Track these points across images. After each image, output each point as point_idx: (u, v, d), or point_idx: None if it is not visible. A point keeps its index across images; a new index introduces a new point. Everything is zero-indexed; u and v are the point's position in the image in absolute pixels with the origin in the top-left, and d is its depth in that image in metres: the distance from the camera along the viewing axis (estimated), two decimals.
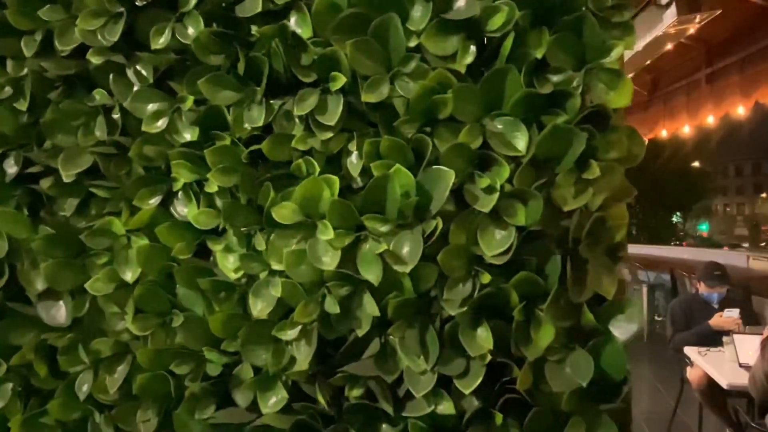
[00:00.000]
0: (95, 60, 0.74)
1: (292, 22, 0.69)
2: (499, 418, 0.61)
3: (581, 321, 0.62)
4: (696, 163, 16.85)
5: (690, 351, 4.12)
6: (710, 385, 3.92)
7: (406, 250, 0.62)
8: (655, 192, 13.84)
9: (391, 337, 0.64)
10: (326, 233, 0.63)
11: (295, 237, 0.66)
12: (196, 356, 0.71)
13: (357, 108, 0.68)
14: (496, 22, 0.62)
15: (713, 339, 4.14)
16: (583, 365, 0.60)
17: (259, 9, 0.68)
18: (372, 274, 0.63)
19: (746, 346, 3.61)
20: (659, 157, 11.96)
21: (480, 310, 0.62)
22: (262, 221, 0.68)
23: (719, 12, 3.74)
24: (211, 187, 0.71)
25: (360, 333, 0.65)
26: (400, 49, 0.65)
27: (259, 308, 0.67)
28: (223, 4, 0.72)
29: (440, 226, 0.62)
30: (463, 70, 0.65)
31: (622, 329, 0.63)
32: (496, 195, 0.62)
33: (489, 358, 0.62)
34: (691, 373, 4.30)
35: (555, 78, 0.64)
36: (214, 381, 0.71)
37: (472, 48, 0.64)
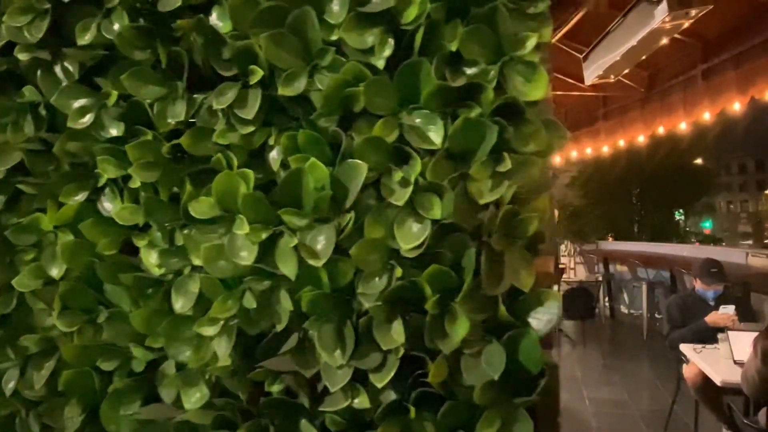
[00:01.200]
0: (22, 57, 0.74)
1: (213, 16, 0.68)
2: (412, 411, 0.61)
3: (498, 314, 0.62)
4: (699, 160, 16.75)
5: (686, 348, 4.11)
6: (705, 382, 3.90)
7: (320, 244, 0.62)
8: (657, 189, 13.77)
9: (309, 331, 0.64)
10: (242, 228, 0.63)
11: (215, 232, 0.66)
12: (122, 352, 0.71)
13: (280, 102, 0.68)
14: (410, 14, 0.62)
15: (709, 336, 4.12)
16: (496, 358, 0.60)
17: (179, 3, 0.68)
18: (288, 268, 0.62)
19: (741, 343, 3.59)
20: (656, 154, 11.90)
21: (395, 304, 0.62)
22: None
23: (711, 7, 3.71)
24: (135, 183, 0.71)
25: (279, 328, 0.64)
26: (316, 42, 0.65)
27: (181, 304, 0.67)
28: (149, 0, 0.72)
29: (353, 219, 0.61)
30: (381, 63, 0.64)
31: (540, 322, 0.62)
32: (410, 188, 0.61)
33: (402, 351, 0.61)
34: (687, 370, 4.28)
35: (469, 71, 0.63)
36: (139, 377, 0.71)
37: (391, 41, 0.64)
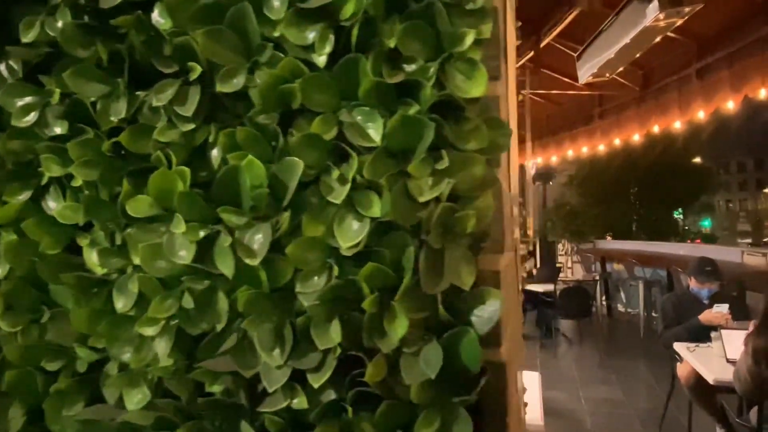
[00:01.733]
0: None
1: (155, 13, 0.68)
2: (350, 411, 0.60)
3: (438, 313, 0.61)
4: (697, 159, 16.73)
5: (679, 347, 4.11)
6: (698, 380, 3.90)
7: (256, 243, 0.62)
8: (655, 188, 13.74)
9: (248, 331, 0.63)
10: (179, 227, 0.62)
11: (156, 231, 0.65)
12: (67, 352, 0.71)
13: (223, 100, 0.67)
14: (348, 10, 0.61)
15: (703, 334, 4.11)
16: (433, 357, 0.59)
17: (119, 0, 0.67)
18: (226, 267, 0.62)
19: (734, 342, 3.59)
20: (654, 153, 11.89)
21: (333, 303, 0.61)
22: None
23: (701, 5, 3.70)
24: (77, 181, 0.70)
25: (218, 328, 0.64)
26: (255, 38, 0.64)
27: (122, 304, 0.67)
28: None
29: (289, 218, 0.61)
30: (323, 60, 0.64)
31: (481, 320, 0.62)
32: (348, 186, 0.61)
33: (339, 351, 0.61)
34: (680, 369, 4.28)
35: (408, 67, 0.62)
36: (83, 377, 0.70)
37: (332, 37, 0.63)
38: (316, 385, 0.60)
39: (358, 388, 0.61)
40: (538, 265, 9.07)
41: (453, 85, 0.62)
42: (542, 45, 6.21)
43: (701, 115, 5.55)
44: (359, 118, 0.62)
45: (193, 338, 0.67)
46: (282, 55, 0.64)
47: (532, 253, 8.80)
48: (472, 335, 0.60)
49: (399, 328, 0.60)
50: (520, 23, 2.51)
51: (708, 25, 5.39)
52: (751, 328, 3.18)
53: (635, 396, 5.43)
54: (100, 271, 0.69)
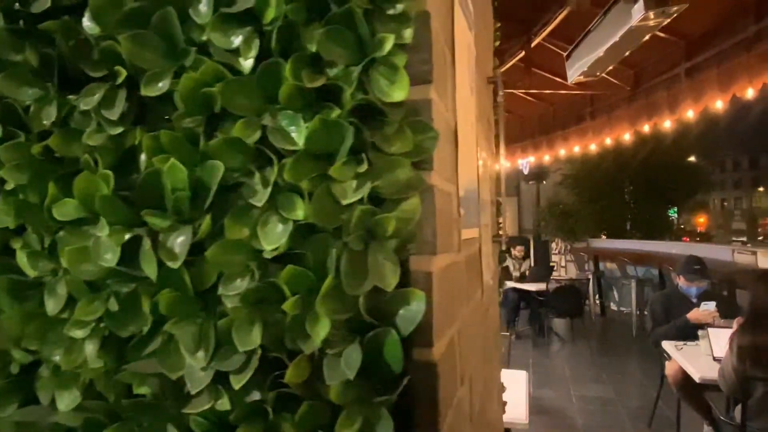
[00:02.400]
0: None
1: (86, 17, 0.68)
2: (270, 412, 0.61)
3: (362, 314, 0.62)
4: (692, 158, 16.75)
5: (667, 345, 4.13)
6: (686, 378, 3.92)
7: (177, 245, 0.62)
8: (649, 187, 13.76)
9: (172, 333, 0.64)
10: (102, 230, 0.63)
11: (83, 234, 0.66)
12: (2, 355, 0.71)
13: (152, 104, 0.68)
14: (269, 15, 0.62)
15: (691, 333, 4.13)
16: (353, 358, 0.60)
17: (49, 5, 0.68)
18: (150, 270, 0.62)
19: (721, 340, 3.61)
20: (648, 152, 11.90)
21: (255, 305, 0.62)
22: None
23: (687, 6, 3.71)
24: (9, 185, 0.70)
25: (144, 330, 0.64)
26: (179, 42, 0.65)
27: (51, 306, 0.67)
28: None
29: (209, 221, 0.61)
30: (249, 64, 0.64)
31: (404, 321, 0.62)
32: (269, 189, 0.61)
33: (260, 352, 0.61)
34: (668, 367, 4.29)
35: (331, 72, 0.63)
36: (16, 379, 0.71)
37: (257, 42, 0.64)
38: (236, 387, 0.61)
39: (280, 390, 0.61)
40: (533, 265, 9.09)
41: (377, 89, 0.63)
42: (533, 45, 6.22)
43: (690, 114, 5.56)
44: (283, 122, 0.63)
45: (124, 340, 0.68)
46: (206, 59, 0.64)
47: (527, 254, 8.80)
48: (394, 336, 0.61)
49: (321, 329, 0.60)
50: (499, 24, 2.51)
51: (696, 25, 5.40)
52: (736, 326, 3.20)
53: (626, 394, 5.45)
54: (32, 273, 0.70)
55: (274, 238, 0.62)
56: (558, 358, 7.05)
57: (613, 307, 9.58)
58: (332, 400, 0.60)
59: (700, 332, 3.88)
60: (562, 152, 7.97)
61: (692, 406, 3.97)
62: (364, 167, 0.60)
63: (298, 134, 0.61)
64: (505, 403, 2.35)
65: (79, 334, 0.65)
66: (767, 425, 2.95)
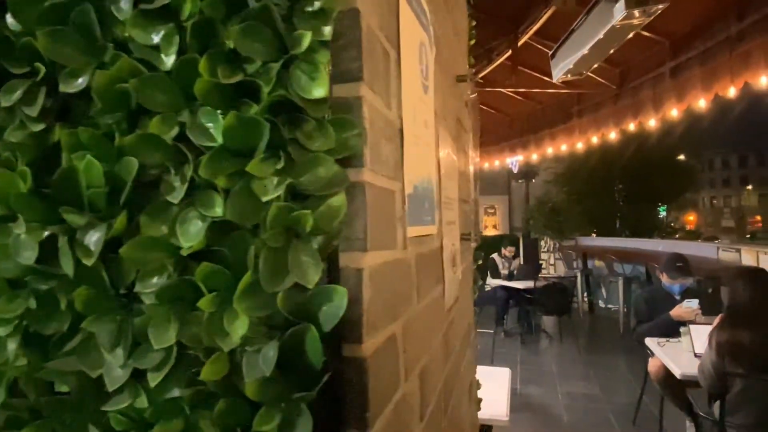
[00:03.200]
0: None
1: (8, 14, 0.68)
2: (187, 409, 0.61)
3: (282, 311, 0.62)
4: (681, 156, 16.87)
5: (650, 342, 4.16)
6: (667, 375, 3.95)
7: (92, 242, 0.62)
8: (639, 185, 13.85)
9: (90, 331, 0.64)
10: (20, 227, 0.63)
11: (5, 232, 0.65)
12: None
13: (74, 101, 0.67)
14: (186, 10, 0.62)
15: (674, 329, 4.16)
16: (269, 354, 0.60)
17: None
18: (67, 267, 0.62)
19: (702, 337, 3.64)
20: (637, 150, 11.97)
21: (172, 303, 0.62)
22: None
23: (667, 5, 3.73)
24: None
25: (64, 328, 0.64)
26: (98, 38, 0.64)
27: None
28: None
29: (124, 218, 0.61)
30: (170, 60, 0.64)
31: (326, 317, 0.62)
32: (185, 185, 0.61)
33: (176, 350, 0.61)
34: (651, 364, 4.33)
35: (248, 68, 0.63)
36: None
37: (176, 38, 0.64)
38: (152, 384, 0.61)
39: (197, 387, 0.61)
40: (522, 263, 9.12)
41: (297, 86, 0.63)
42: (520, 44, 6.24)
43: (674, 113, 5.60)
44: (201, 118, 0.62)
45: (46, 338, 0.67)
46: (124, 56, 0.64)
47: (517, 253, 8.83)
48: (314, 332, 0.61)
49: (239, 327, 0.60)
50: (475, 23, 2.52)
51: (680, 25, 5.44)
52: (716, 323, 3.22)
53: (611, 391, 5.49)
54: None
55: (191, 235, 0.62)
56: (546, 356, 7.09)
57: (601, 304, 9.64)
58: (250, 397, 0.60)
59: (682, 329, 3.91)
60: (550, 150, 8.00)
61: (674, 402, 4.00)
62: (281, 164, 0.60)
63: (216, 131, 0.61)
64: (480, 400, 2.36)
65: (0, 332, 0.65)
66: (745, 420, 2.98)
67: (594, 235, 11.80)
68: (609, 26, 4.05)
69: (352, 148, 0.66)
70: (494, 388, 3.09)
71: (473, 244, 2.04)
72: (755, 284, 3.11)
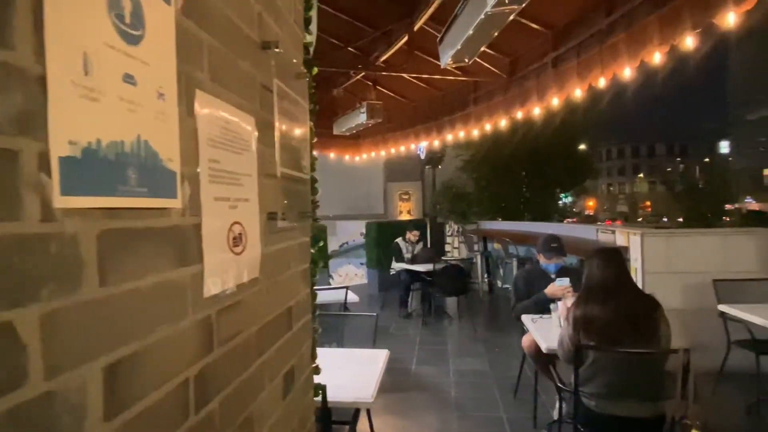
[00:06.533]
0: None
1: None
2: None
3: None
4: (582, 146, 18.07)
5: (525, 318, 4.37)
6: (538, 349, 4.16)
7: None
8: (542, 173, 14.66)
9: None
10: None
11: None
12: None
13: None
14: None
15: (547, 307, 4.39)
16: None
17: None
18: None
19: None
20: (527, 139, 12.62)
21: None
22: None
23: None
24: None
25: None
26: None
27: None
28: None
29: None
30: None
31: None
32: None
33: None
34: (524, 339, 4.55)
35: None
36: None
37: None
38: None
39: None
40: (426, 246, 9.33)
41: None
42: (416, 28, 6.26)
43: (555, 102, 5.90)
44: None
45: None
46: None
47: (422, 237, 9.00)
48: None
49: None
50: None
51: (560, 16, 5.72)
52: (569, 302, 3.43)
53: (499, 366, 5.77)
54: None
55: None
56: (443, 335, 7.32)
57: (500, 284, 10.14)
58: None
59: (551, 306, 4.15)
60: (450, 137, 8.20)
61: (545, 375, 4.26)
62: None
63: None
64: (324, 387, 2.32)
65: None
66: (598, 389, 3.18)
67: (500, 219, 12.35)
68: (483, 13, 4.13)
69: None
70: (366, 371, 3.09)
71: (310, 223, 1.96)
72: (608, 263, 3.31)
